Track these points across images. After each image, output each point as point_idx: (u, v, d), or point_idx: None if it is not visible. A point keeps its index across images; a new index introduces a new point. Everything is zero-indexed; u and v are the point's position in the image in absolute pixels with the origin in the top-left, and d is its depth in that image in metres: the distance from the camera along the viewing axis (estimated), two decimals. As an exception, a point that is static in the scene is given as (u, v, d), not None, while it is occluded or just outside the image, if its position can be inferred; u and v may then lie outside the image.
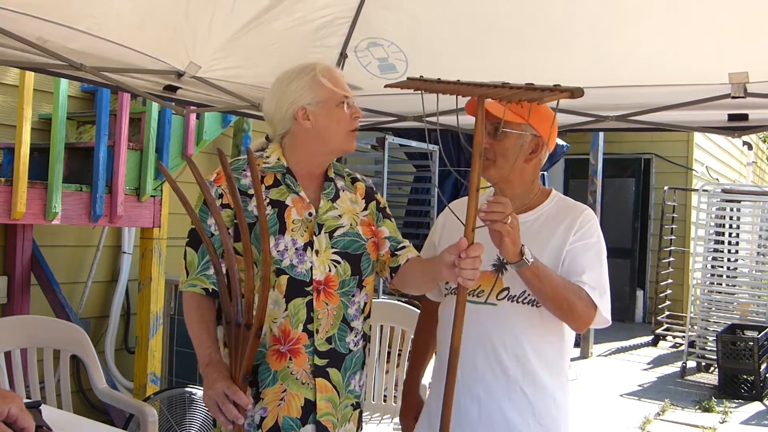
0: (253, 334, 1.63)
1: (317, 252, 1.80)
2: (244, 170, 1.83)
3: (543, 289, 1.75)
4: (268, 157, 1.88)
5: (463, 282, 1.60)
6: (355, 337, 1.87)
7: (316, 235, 1.81)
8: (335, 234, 1.84)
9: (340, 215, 1.87)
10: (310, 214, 1.83)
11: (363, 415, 2.02)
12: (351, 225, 1.88)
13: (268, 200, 1.80)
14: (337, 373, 1.82)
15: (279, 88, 1.88)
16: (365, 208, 1.95)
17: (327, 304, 1.80)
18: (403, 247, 1.95)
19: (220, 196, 1.80)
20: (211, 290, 1.77)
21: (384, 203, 2.02)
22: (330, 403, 1.80)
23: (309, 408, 1.78)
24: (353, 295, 1.86)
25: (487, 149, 1.87)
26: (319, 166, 1.90)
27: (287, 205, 1.81)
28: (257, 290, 1.68)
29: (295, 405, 1.77)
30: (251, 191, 1.80)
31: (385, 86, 1.87)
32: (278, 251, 1.77)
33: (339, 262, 1.83)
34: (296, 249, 1.78)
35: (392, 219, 2.01)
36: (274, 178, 1.84)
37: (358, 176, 2.02)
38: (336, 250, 1.83)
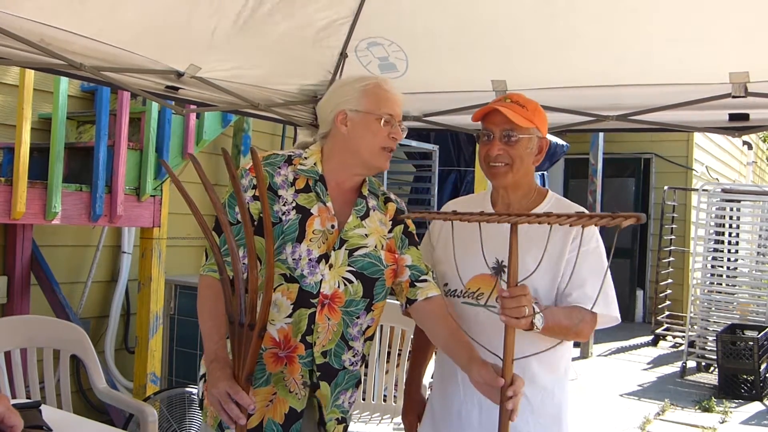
0: (256, 334, 1.62)
1: (331, 266, 1.78)
2: (279, 167, 1.81)
3: (552, 333, 1.78)
4: (305, 158, 1.85)
5: (513, 419, 1.61)
6: (353, 357, 1.85)
7: (335, 250, 1.78)
8: (356, 253, 1.81)
9: (366, 234, 1.84)
10: (333, 227, 1.80)
11: (362, 415, 2.01)
12: (375, 247, 1.84)
13: (294, 204, 1.78)
14: (326, 386, 1.81)
15: (333, 88, 1.87)
16: (390, 231, 1.90)
17: (329, 319, 1.78)
18: (425, 281, 1.88)
19: (254, 187, 1.78)
20: (231, 277, 1.74)
21: (412, 228, 1.96)
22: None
23: (293, 417, 1.77)
24: (358, 317, 1.83)
25: (501, 155, 1.87)
26: (350, 178, 1.87)
27: (312, 214, 1.78)
28: (261, 287, 1.67)
29: (280, 410, 1.76)
30: (281, 191, 1.78)
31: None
32: (293, 259, 1.75)
33: (351, 281, 1.80)
34: (309, 260, 1.75)
35: (418, 246, 1.95)
36: (305, 183, 1.81)
37: (392, 197, 1.97)
38: (352, 268, 1.80)
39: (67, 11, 2.10)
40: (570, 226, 1.56)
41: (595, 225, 1.53)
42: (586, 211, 1.94)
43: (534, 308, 1.69)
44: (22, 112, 3.21)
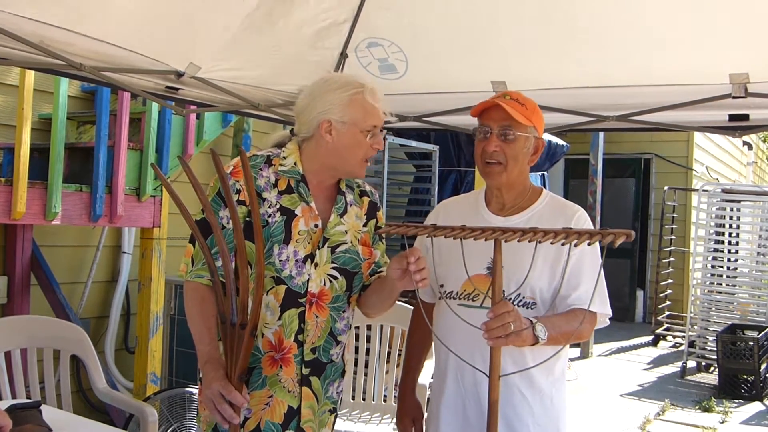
0: (248, 333, 1.63)
1: (316, 265, 1.80)
2: (261, 169, 1.81)
3: (556, 342, 1.77)
4: (285, 158, 1.85)
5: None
6: (339, 350, 1.90)
7: (319, 248, 1.81)
8: (337, 249, 1.84)
9: (345, 231, 1.87)
10: (316, 226, 1.82)
11: (362, 415, 2.03)
12: (352, 243, 1.87)
13: (278, 206, 1.79)
14: (317, 381, 1.84)
15: (318, 91, 1.83)
16: (365, 225, 1.93)
17: (317, 316, 1.82)
18: (379, 272, 1.94)
19: (237, 192, 1.78)
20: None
21: (382, 223, 2.00)
22: (311, 410, 1.83)
23: (291, 414, 1.79)
24: (344, 311, 1.87)
25: (497, 152, 1.86)
26: (331, 178, 1.89)
27: (296, 215, 1.80)
28: (252, 291, 1.67)
29: (279, 411, 1.79)
30: (265, 194, 1.79)
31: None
32: (280, 260, 1.77)
33: (336, 278, 1.83)
34: (296, 261, 1.78)
35: (384, 241, 1.99)
36: (287, 184, 1.82)
37: (368, 189, 1.99)
38: (335, 265, 1.83)
39: (67, 6, 2.10)
40: (551, 244, 1.57)
41: (587, 243, 1.55)
42: (581, 210, 1.95)
43: (531, 320, 1.69)
44: (22, 112, 3.21)
